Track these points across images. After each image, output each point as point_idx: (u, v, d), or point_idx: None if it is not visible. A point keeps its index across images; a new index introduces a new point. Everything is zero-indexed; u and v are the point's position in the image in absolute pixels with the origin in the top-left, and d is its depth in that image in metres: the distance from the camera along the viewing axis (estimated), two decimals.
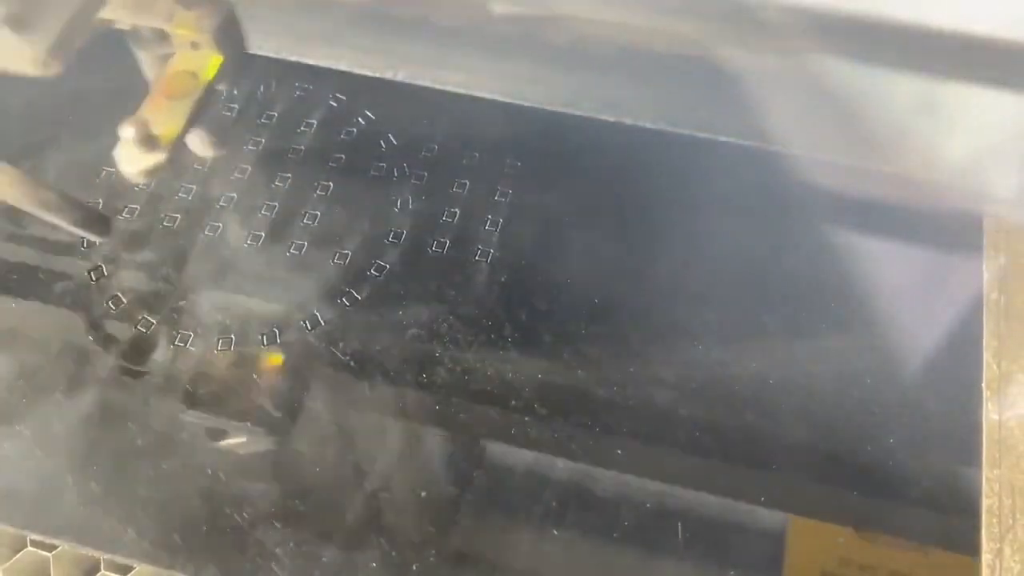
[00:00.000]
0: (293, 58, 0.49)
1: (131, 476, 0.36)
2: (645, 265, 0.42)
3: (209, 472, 0.37)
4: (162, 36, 0.41)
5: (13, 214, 0.39)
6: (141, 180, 0.40)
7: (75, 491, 0.36)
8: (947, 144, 0.44)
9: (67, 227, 0.38)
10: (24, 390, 0.39)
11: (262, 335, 0.40)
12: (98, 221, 0.39)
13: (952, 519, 0.36)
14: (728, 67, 0.45)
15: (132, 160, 0.38)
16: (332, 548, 0.35)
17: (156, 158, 0.39)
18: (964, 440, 0.37)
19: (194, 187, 0.45)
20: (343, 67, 0.49)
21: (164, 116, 0.40)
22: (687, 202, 0.44)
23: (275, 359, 0.39)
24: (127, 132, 0.38)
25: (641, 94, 0.47)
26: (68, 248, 0.43)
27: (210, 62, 0.40)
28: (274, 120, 0.47)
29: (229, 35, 0.41)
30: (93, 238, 0.41)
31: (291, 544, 0.35)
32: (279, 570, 0.34)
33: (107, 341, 0.40)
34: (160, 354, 0.39)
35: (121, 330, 0.40)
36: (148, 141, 0.38)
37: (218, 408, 0.38)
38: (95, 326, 0.40)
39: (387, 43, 0.50)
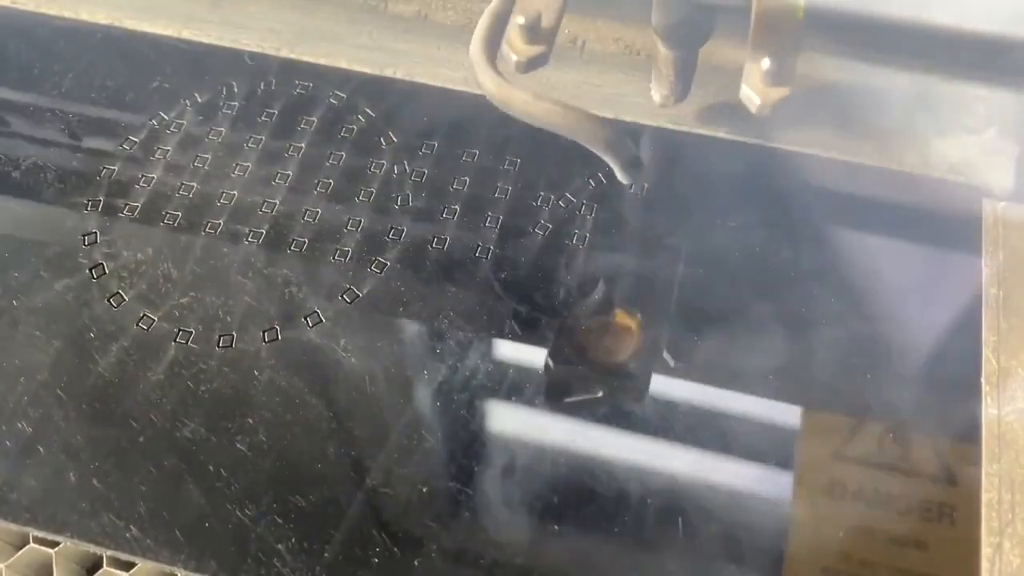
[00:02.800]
0: (293, 57, 0.50)
1: (133, 473, 0.36)
2: (649, 261, 0.42)
3: (211, 469, 0.37)
4: None
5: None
6: (522, 68, 0.37)
7: (77, 488, 0.36)
8: (946, 140, 0.44)
9: (610, 160, 0.38)
10: (25, 387, 0.39)
11: (263, 332, 0.40)
12: (634, 164, 0.39)
13: (952, 514, 0.36)
14: (728, 66, 0.45)
15: (515, 49, 0.37)
16: (334, 544, 0.35)
17: (539, 49, 0.37)
18: (963, 435, 0.37)
19: (195, 185, 0.45)
20: (343, 64, 0.49)
21: (541, 8, 0.37)
22: (685, 198, 0.44)
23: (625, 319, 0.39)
24: (519, 19, 0.36)
25: (641, 93, 0.48)
26: (69, 245, 0.43)
27: None
28: (274, 118, 0.47)
29: None
30: (624, 179, 0.40)
31: (293, 540, 0.35)
32: (281, 566, 0.35)
33: (108, 338, 0.40)
34: (161, 351, 0.39)
35: (122, 327, 0.40)
36: (536, 31, 0.36)
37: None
38: (96, 323, 0.40)
39: (387, 42, 0.50)
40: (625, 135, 0.39)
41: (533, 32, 0.36)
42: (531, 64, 0.37)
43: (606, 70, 0.49)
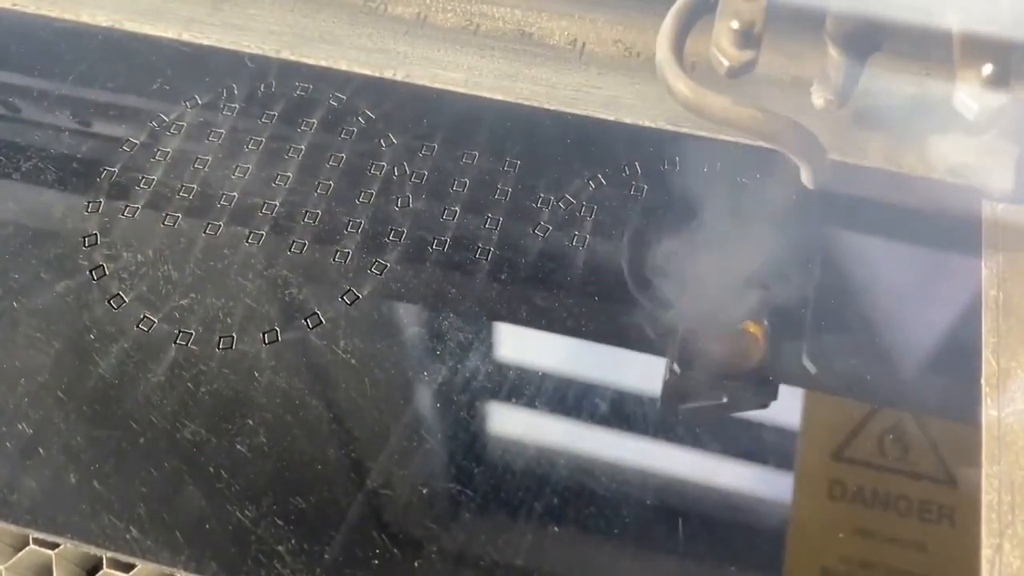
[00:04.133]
0: (294, 57, 0.50)
1: (133, 474, 0.36)
2: (660, 260, 0.42)
3: (211, 470, 0.37)
4: None
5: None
6: (733, 74, 0.36)
7: (77, 489, 0.36)
8: (945, 141, 0.45)
9: (803, 165, 0.38)
10: (26, 388, 0.39)
11: (263, 334, 0.40)
12: (825, 171, 0.38)
13: (952, 515, 0.36)
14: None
15: (727, 54, 0.35)
16: (334, 546, 0.35)
17: (751, 55, 0.35)
18: (963, 436, 0.37)
19: (195, 186, 0.45)
20: (343, 66, 0.49)
21: (752, 15, 0.36)
22: (687, 199, 0.44)
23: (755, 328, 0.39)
24: (733, 23, 0.35)
25: (640, 95, 0.48)
26: (69, 247, 0.43)
27: None
28: (274, 119, 0.47)
29: None
30: (811, 184, 0.40)
31: (293, 541, 0.35)
32: (281, 568, 0.35)
33: (108, 340, 0.40)
34: (161, 353, 0.40)
35: (122, 329, 0.40)
36: (748, 37, 0.35)
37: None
38: (96, 325, 0.40)
39: (387, 43, 0.50)
40: (819, 142, 0.39)
41: (746, 37, 0.35)
42: (742, 70, 0.36)
43: (605, 72, 0.49)
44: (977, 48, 0.34)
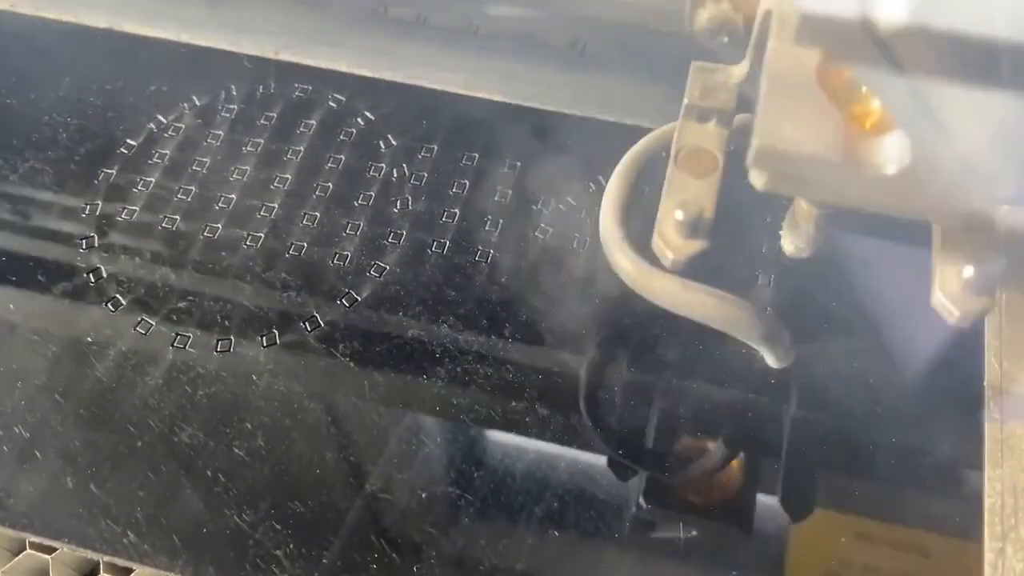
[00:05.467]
0: (293, 58, 0.49)
1: (131, 478, 0.36)
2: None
3: (209, 474, 0.36)
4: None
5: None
6: (679, 267, 0.32)
7: (74, 493, 0.36)
8: (947, 143, 0.44)
9: (763, 349, 0.36)
10: (23, 391, 0.38)
11: (261, 336, 0.40)
12: (788, 353, 0.36)
13: (955, 519, 0.36)
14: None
15: (671, 245, 0.32)
16: (333, 550, 0.35)
17: (699, 246, 0.32)
18: (967, 440, 0.37)
19: (193, 188, 0.45)
20: (343, 67, 0.49)
21: (699, 197, 0.33)
22: None
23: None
24: (678, 214, 0.32)
25: (641, 96, 0.47)
26: (67, 249, 0.42)
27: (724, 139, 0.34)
28: (273, 121, 0.47)
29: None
30: (775, 365, 0.38)
31: (291, 546, 0.35)
32: (280, 572, 0.34)
33: (106, 343, 0.40)
34: (159, 356, 0.39)
35: (119, 332, 0.40)
36: (696, 227, 0.32)
37: None
38: (94, 327, 0.40)
39: (387, 43, 0.50)
40: (778, 325, 0.36)
41: (694, 227, 0.32)
42: (689, 263, 0.32)
43: (606, 72, 0.49)
44: (958, 245, 0.31)
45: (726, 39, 0.33)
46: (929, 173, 0.29)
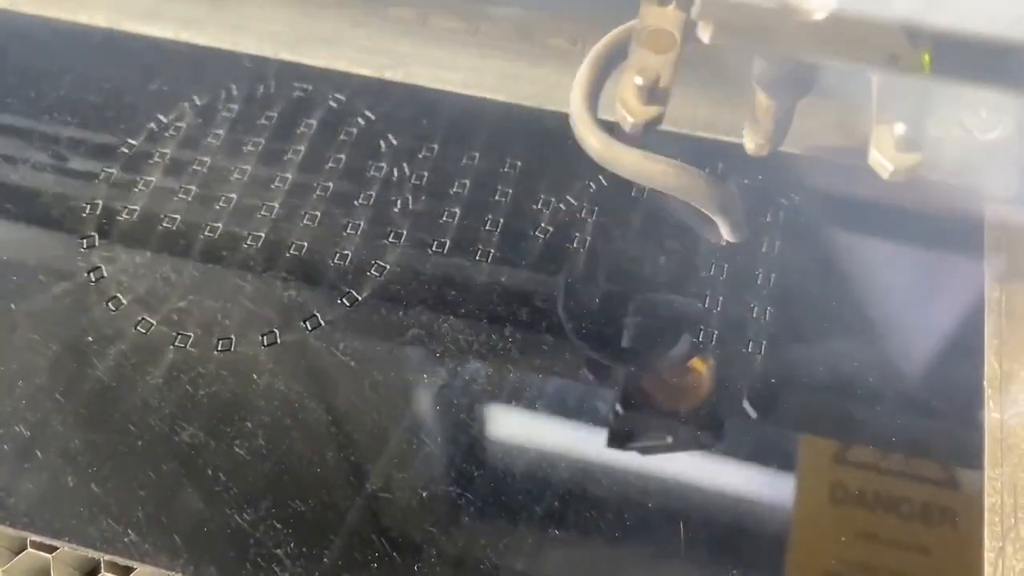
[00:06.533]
0: (293, 57, 0.49)
1: (131, 477, 0.36)
2: (649, 264, 0.42)
3: (209, 473, 0.36)
4: None
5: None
6: (638, 130, 0.35)
7: (75, 492, 0.36)
8: (947, 143, 0.44)
9: (719, 220, 0.38)
10: (23, 391, 0.38)
11: (262, 336, 0.40)
12: (743, 224, 0.38)
13: (954, 518, 0.36)
14: (728, 67, 0.45)
15: (631, 110, 0.34)
16: (333, 549, 0.35)
17: (656, 111, 0.34)
18: (966, 439, 0.37)
19: (194, 187, 0.45)
20: (343, 67, 0.49)
21: (657, 68, 0.35)
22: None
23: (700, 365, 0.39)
24: (637, 79, 0.34)
25: None
26: (68, 249, 0.42)
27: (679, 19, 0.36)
28: (273, 120, 0.47)
29: None
30: (731, 238, 0.39)
31: (292, 545, 0.35)
32: (280, 571, 0.34)
33: (106, 342, 0.40)
34: (160, 355, 0.39)
35: (120, 331, 0.40)
36: (653, 92, 0.34)
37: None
38: (94, 327, 0.40)
39: (387, 44, 0.50)
40: (736, 196, 0.38)
41: (652, 93, 0.34)
42: (648, 127, 0.35)
43: None
44: (893, 104, 0.34)
45: None
46: (851, 19, 0.32)
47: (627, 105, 0.35)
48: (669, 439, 0.38)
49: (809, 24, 0.32)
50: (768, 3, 0.32)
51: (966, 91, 0.43)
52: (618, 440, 0.38)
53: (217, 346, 0.40)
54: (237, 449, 0.37)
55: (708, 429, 0.38)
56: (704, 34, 0.33)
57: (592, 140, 0.35)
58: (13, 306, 0.41)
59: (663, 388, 0.39)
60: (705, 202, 0.37)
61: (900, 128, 0.33)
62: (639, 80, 0.34)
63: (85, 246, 0.43)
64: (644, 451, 0.38)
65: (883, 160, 0.33)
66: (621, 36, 0.37)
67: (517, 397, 0.39)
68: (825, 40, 0.33)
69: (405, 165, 0.46)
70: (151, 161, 0.46)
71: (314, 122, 0.47)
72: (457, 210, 0.44)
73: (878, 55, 0.33)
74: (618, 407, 0.38)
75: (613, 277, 0.38)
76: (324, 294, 0.41)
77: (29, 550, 0.36)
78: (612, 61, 0.36)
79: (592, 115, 0.35)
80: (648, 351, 0.40)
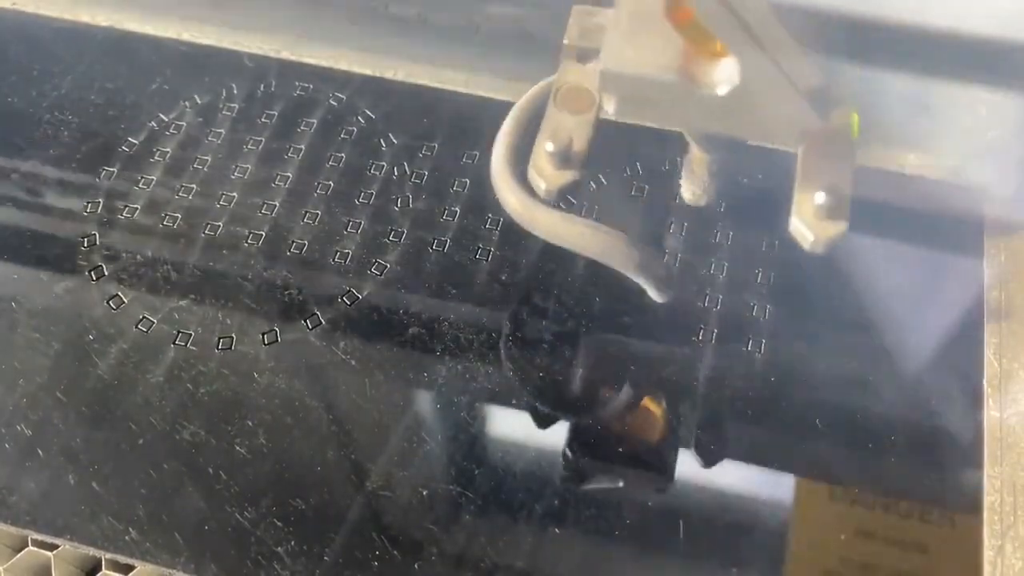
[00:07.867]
0: (294, 57, 0.49)
1: (132, 476, 0.36)
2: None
3: (210, 471, 0.36)
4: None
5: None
6: (552, 196, 0.34)
7: (76, 491, 0.36)
8: (947, 143, 0.44)
9: (642, 282, 0.37)
10: (25, 389, 0.39)
11: (263, 334, 0.40)
12: (667, 285, 0.37)
13: (953, 517, 0.36)
14: None
15: (544, 175, 0.34)
16: (334, 547, 0.35)
17: (570, 176, 0.34)
18: (966, 438, 0.37)
19: (194, 186, 0.45)
20: (343, 66, 0.49)
21: (572, 131, 0.35)
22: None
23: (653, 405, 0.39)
24: (548, 145, 0.33)
25: None
26: (69, 248, 0.43)
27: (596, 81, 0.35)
28: (274, 119, 0.47)
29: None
30: (657, 299, 0.38)
31: (293, 543, 0.35)
32: (281, 569, 0.34)
33: (107, 341, 0.40)
34: (160, 354, 0.39)
35: (121, 330, 0.40)
36: (566, 157, 0.34)
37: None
38: (95, 325, 0.40)
39: (388, 42, 0.50)
40: (657, 256, 0.37)
41: (565, 157, 0.34)
42: (562, 192, 0.34)
43: None
44: (814, 170, 0.33)
45: None
46: (757, 95, 0.31)
47: (540, 171, 0.34)
48: (669, 437, 0.38)
49: (713, 98, 0.31)
50: (671, 77, 0.31)
51: (967, 91, 0.43)
52: (568, 481, 0.37)
53: (218, 345, 0.40)
54: (238, 447, 0.37)
55: (708, 429, 0.38)
56: (608, 106, 0.33)
57: (511, 199, 0.35)
58: (14, 304, 0.41)
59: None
60: (624, 265, 0.36)
61: (821, 197, 0.32)
62: (549, 146, 0.33)
63: (86, 244, 0.43)
64: (644, 451, 0.38)
65: (804, 229, 0.32)
66: (544, 91, 0.36)
67: (517, 396, 0.39)
68: (729, 114, 0.32)
69: (405, 164, 0.46)
70: (152, 160, 0.46)
71: (314, 121, 0.47)
72: (457, 209, 0.44)
73: (785, 129, 0.32)
74: (618, 407, 0.38)
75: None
76: (325, 293, 0.41)
77: (30, 548, 0.36)
78: (537, 116, 0.36)
79: (512, 173, 0.35)
80: (653, 343, 0.40)
